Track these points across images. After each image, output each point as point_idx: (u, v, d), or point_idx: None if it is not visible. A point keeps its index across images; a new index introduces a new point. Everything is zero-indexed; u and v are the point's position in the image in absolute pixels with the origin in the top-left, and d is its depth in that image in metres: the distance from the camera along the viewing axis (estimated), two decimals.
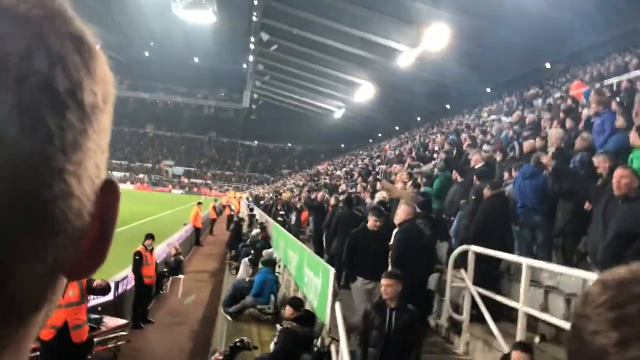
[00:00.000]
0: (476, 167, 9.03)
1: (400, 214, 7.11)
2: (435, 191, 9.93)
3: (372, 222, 6.96)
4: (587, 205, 6.21)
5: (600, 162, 5.97)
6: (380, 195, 10.93)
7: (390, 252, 7.07)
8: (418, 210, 7.46)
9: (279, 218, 17.90)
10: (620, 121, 7.50)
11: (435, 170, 10.88)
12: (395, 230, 7.26)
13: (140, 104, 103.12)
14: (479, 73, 35.27)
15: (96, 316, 7.89)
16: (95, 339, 7.42)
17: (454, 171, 9.46)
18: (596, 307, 0.53)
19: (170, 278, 13.26)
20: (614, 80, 14.54)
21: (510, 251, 6.97)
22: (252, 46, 58.54)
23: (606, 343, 0.51)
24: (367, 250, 6.82)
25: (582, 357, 0.53)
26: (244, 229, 23.02)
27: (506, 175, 8.40)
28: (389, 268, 6.27)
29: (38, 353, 5.94)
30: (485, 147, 10.73)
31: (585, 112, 9.19)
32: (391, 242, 7.46)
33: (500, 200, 7.34)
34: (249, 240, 17.06)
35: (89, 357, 7.30)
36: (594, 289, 0.55)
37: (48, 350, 5.79)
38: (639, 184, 5.00)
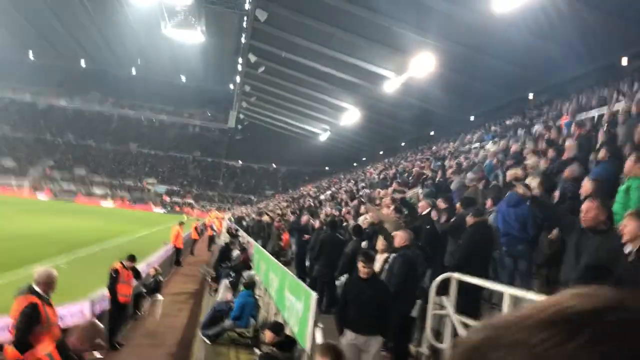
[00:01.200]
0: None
1: (399, 239, 7.19)
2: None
3: (361, 268, 6.27)
4: (553, 234, 6.31)
5: (585, 185, 6.06)
6: (363, 219, 10.92)
7: (387, 277, 7.07)
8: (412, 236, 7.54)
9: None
10: (602, 153, 7.61)
11: (421, 196, 10.91)
12: (392, 255, 7.30)
13: (125, 121, 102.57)
14: (463, 101, 35.77)
15: None
16: None
17: (439, 199, 9.50)
18: (579, 346, 0.46)
19: (149, 299, 13.02)
20: (595, 113, 14.80)
21: (491, 279, 6.97)
22: (239, 67, 58.84)
23: None
24: (357, 301, 6.20)
25: None
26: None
27: (488, 203, 8.44)
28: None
29: None
30: (469, 175, 10.78)
31: (568, 143, 9.31)
32: (382, 266, 7.49)
33: (483, 227, 7.37)
34: (229, 261, 16.86)
35: None
36: (554, 330, 0.48)
37: None
38: (607, 217, 5.06)
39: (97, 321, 4.27)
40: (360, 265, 6.23)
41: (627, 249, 4.44)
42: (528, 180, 8.22)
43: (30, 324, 5.32)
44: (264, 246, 17.59)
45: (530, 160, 10.32)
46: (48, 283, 5.68)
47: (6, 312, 8.02)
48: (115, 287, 9.84)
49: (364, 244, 9.81)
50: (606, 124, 11.62)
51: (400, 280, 7.10)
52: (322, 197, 25.54)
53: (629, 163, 6.14)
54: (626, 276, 4.46)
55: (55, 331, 5.68)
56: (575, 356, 0.45)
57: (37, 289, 5.59)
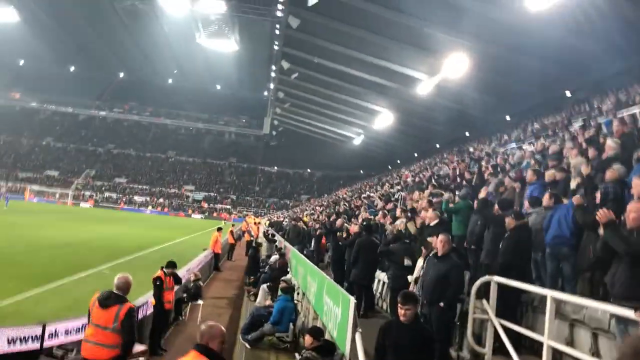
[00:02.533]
0: (431, 224, 9.19)
1: (445, 245, 7.15)
2: (455, 220, 9.87)
3: (399, 310, 5.54)
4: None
5: (637, 185, 5.87)
6: (400, 223, 10.90)
7: (434, 283, 7.08)
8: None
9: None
10: None
11: (457, 198, 10.82)
12: (434, 261, 7.28)
13: (162, 129, 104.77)
14: (498, 101, 35.22)
15: None
16: None
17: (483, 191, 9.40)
18: None
19: (189, 304, 13.26)
20: (637, 110, 14.41)
21: (531, 282, 6.86)
22: (273, 74, 59.44)
23: None
24: (397, 348, 5.53)
25: None
26: (262, 254, 23.01)
27: (526, 204, 8.32)
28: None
29: None
30: (507, 178, 10.64)
31: (608, 142, 9.09)
32: (419, 272, 7.48)
33: (525, 230, 7.29)
34: (267, 266, 17.02)
35: None
36: None
37: None
38: None
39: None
40: (399, 308, 5.50)
41: None
42: (572, 184, 8.06)
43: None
44: (301, 250, 17.72)
45: (573, 161, 10.12)
46: (128, 288, 6.37)
47: (56, 317, 8.32)
48: (162, 294, 10.07)
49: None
50: None
51: (458, 290, 7.16)
52: (358, 202, 25.51)
53: None
54: None
55: None
56: None
57: (123, 295, 6.27)
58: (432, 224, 9.39)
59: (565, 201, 7.52)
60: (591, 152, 9.35)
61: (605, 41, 23.14)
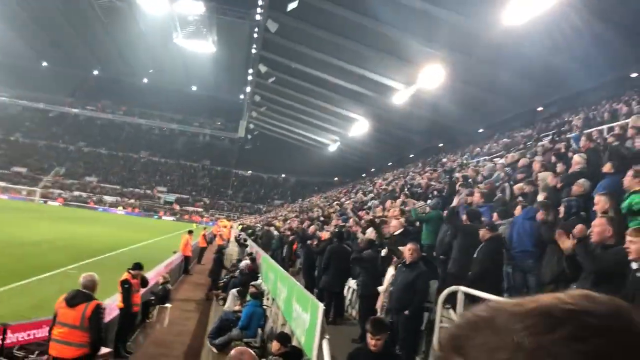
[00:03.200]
0: (395, 233, 9.28)
1: (413, 253, 7.23)
2: (426, 229, 9.97)
3: (369, 340, 5.27)
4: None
5: (600, 201, 6.05)
6: (370, 232, 10.95)
7: (402, 291, 7.13)
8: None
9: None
10: (607, 167, 7.62)
11: (427, 208, 10.94)
12: (403, 269, 7.34)
13: (136, 129, 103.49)
14: (472, 113, 35.79)
15: None
16: None
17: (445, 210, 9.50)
18: (557, 339, 0.50)
19: (157, 307, 13.10)
20: (604, 127, 14.78)
21: (501, 293, 6.97)
22: (249, 77, 59.22)
23: None
24: None
25: None
26: (234, 258, 22.87)
27: (495, 216, 8.46)
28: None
29: None
30: (477, 189, 10.80)
31: (576, 158, 9.30)
32: (390, 281, 7.55)
33: (499, 241, 7.41)
34: (238, 271, 16.91)
35: None
36: (535, 320, 0.52)
37: None
38: (615, 232, 5.10)
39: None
40: (369, 337, 5.23)
41: (634, 265, 4.45)
42: (539, 197, 8.22)
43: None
44: (273, 256, 17.65)
45: (540, 175, 10.32)
46: (94, 287, 6.40)
47: (15, 317, 8.15)
48: (130, 297, 9.92)
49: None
50: (615, 138, 11.61)
51: (423, 298, 7.23)
52: (330, 209, 25.57)
53: (627, 178, 6.16)
54: (633, 291, 4.48)
55: None
56: (549, 347, 0.49)
57: (90, 293, 6.29)
58: (396, 233, 9.45)
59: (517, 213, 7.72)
60: (559, 167, 9.56)
61: (579, 58, 23.72)
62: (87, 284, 6.32)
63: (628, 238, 4.45)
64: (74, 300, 6.15)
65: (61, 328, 6.10)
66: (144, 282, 10.60)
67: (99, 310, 6.14)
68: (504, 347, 0.51)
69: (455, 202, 9.11)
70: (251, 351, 4.07)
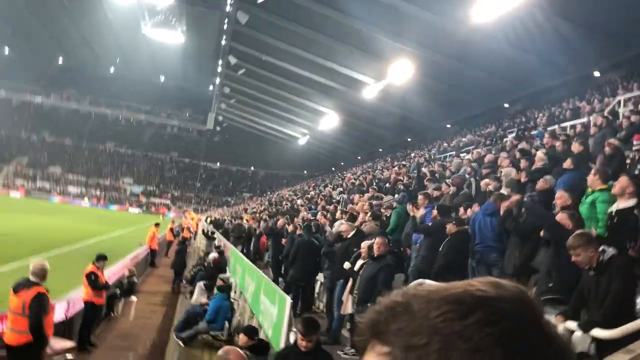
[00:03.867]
0: (347, 237, 9.27)
1: (381, 247, 7.31)
2: (392, 223, 10.08)
3: (300, 341, 4.98)
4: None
5: (562, 197, 6.23)
6: (339, 225, 11.01)
7: (365, 285, 7.19)
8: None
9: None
10: (567, 163, 7.84)
11: (394, 203, 11.06)
12: (370, 262, 7.41)
13: (101, 119, 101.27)
14: (440, 108, 36.25)
15: None
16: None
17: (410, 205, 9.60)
18: (470, 324, 0.54)
19: (123, 300, 12.93)
20: (567, 124, 15.17)
21: None
22: (219, 69, 58.68)
23: None
24: None
25: None
26: (201, 252, 22.72)
27: (461, 211, 8.62)
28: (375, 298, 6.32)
29: None
30: (444, 184, 10.97)
31: (539, 154, 9.53)
32: (358, 271, 7.62)
33: (465, 236, 7.55)
34: (205, 264, 16.82)
35: None
36: (450, 307, 0.56)
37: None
38: (575, 227, 5.28)
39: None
40: (299, 338, 4.99)
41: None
42: (502, 190, 8.42)
43: (45, 312, 6.04)
44: (243, 249, 17.61)
45: (504, 170, 10.55)
46: (43, 275, 6.26)
47: None
48: (98, 289, 9.75)
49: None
50: (577, 135, 11.94)
51: (385, 290, 7.27)
52: (299, 201, 25.59)
53: (590, 177, 6.37)
54: (586, 288, 4.65)
55: (51, 322, 6.50)
56: (462, 331, 0.53)
57: (38, 281, 6.16)
58: (348, 237, 9.42)
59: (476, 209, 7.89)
60: (523, 163, 9.79)
61: (544, 56, 24.25)
62: (36, 271, 6.23)
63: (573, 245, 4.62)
64: (18, 287, 6.13)
65: (10, 316, 6.16)
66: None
67: (39, 297, 6.02)
68: (421, 332, 0.54)
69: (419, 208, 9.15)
70: (238, 350, 4.00)
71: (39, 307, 6.00)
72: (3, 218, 32.15)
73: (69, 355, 7.97)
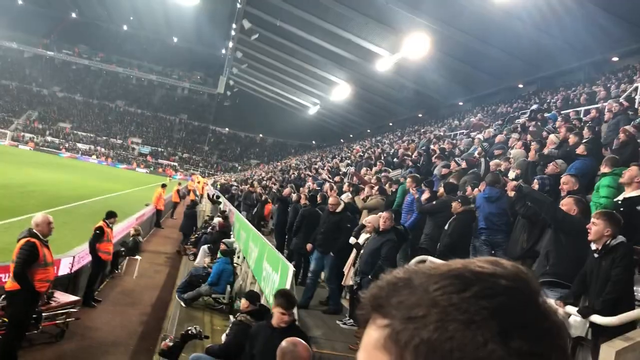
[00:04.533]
0: (337, 211, 9.18)
1: (386, 221, 7.33)
2: (398, 199, 10.07)
3: (279, 315, 4.78)
4: None
5: (569, 182, 6.21)
6: (346, 197, 11.03)
7: (368, 257, 7.23)
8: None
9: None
10: (581, 149, 7.76)
11: (401, 178, 11.04)
12: (374, 235, 7.44)
13: (112, 77, 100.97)
14: (454, 85, 35.86)
15: None
16: (43, 314, 7.31)
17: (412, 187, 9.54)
18: (467, 297, 0.57)
19: (127, 258, 13.10)
20: (582, 109, 14.97)
21: None
22: (233, 32, 58.08)
23: (487, 334, 0.54)
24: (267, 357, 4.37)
25: (457, 350, 0.54)
26: (206, 215, 22.86)
27: (469, 190, 8.59)
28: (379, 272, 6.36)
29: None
30: (453, 162, 10.92)
31: (551, 137, 9.44)
32: (363, 244, 7.66)
33: (470, 216, 7.55)
34: (210, 227, 16.95)
35: (36, 330, 7.20)
36: (449, 281, 0.59)
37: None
38: (581, 212, 5.28)
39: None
40: (279, 312, 4.77)
41: (593, 246, 4.61)
42: (510, 173, 8.39)
43: (28, 260, 6.27)
44: (250, 215, 17.69)
45: (514, 152, 10.48)
46: (44, 226, 6.52)
47: None
48: (97, 244, 9.88)
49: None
50: (591, 121, 11.80)
51: (390, 264, 7.33)
52: (306, 171, 25.59)
53: (603, 163, 6.32)
54: (590, 271, 4.65)
55: (51, 272, 6.73)
56: (459, 304, 0.56)
57: (35, 231, 6.44)
58: (337, 211, 9.37)
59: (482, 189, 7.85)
60: (534, 145, 9.71)
61: (565, 38, 23.80)
62: (38, 221, 6.53)
63: (592, 220, 4.59)
64: (19, 236, 6.52)
65: (11, 264, 6.54)
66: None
67: (25, 246, 6.31)
68: (420, 305, 0.57)
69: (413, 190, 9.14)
70: (304, 343, 3.77)
71: (24, 255, 6.26)
72: (12, 171, 32.41)
73: (72, 309, 8.11)
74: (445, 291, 0.57)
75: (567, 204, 5.41)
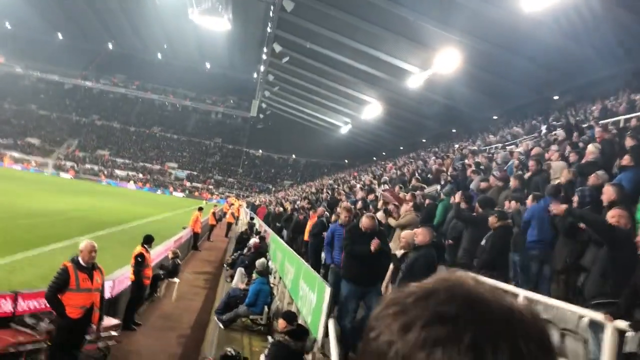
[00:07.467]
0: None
1: (422, 237, 7.15)
2: (438, 216, 9.94)
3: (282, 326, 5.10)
4: None
5: (608, 191, 6.01)
6: (380, 216, 10.93)
7: (405, 275, 7.11)
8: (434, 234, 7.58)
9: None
10: (626, 159, 7.52)
11: (441, 194, 10.90)
12: (407, 252, 7.33)
13: (148, 104, 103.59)
14: (487, 99, 35.44)
15: None
16: (86, 337, 7.41)
17: (457, 196, 9.43)
18: (382, 317, 0.66)
19: (166, 281, 13.24)
20: (621, 118, 14.58)
21: (506, 281, 6.96)
22: (264, 56, 58.88)
23: (391, 335, 0.62)
24: None
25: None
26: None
27: (507, 204, 8.41)
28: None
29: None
30: (492, 177, 10.72)
31: (590, 147, 9.20)
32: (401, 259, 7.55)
33: (508, 231, 7.38)
34: (246, 249, 17.03)
35: (79, 354, 7.29)
36: (418, 292, 0.67)
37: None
38: (630, 225, 5.09)
39: None
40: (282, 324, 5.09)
41: None
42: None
43: (57, 283, 6.34)
44: (288, 235, 17.69)
45: (554, 164, 10.24)
46: (85, 253, 6.56)
47: (29, 286, 8.30)
48: (142, 271, 10.06)
49: None
50: (632, 130, 11.45)
51: (404, 277, 7.20)
52: (340, 189, 25.54)
53: None
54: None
55: (85, 299, 6.57)
56: (408, 306, 0.64)
57: (78, 257, 6.52)
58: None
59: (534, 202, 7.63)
60: (572, 156, 9.47)
61: (598, 46, 23.33)
62: (80, 247, 6.67)
63: None
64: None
65: None
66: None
67: (59, 269, 6.49)
68: (393, 305, 0.67)
69: (457, 198, 9.01)
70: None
71: (54, 278, 6.43)
72: (53, 198, 33.39)
73: (114, 333, 8.21)
74: (414, 299, 0.66)
75: (615, 218, 5.22)
